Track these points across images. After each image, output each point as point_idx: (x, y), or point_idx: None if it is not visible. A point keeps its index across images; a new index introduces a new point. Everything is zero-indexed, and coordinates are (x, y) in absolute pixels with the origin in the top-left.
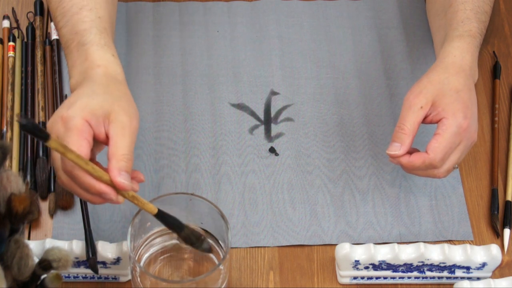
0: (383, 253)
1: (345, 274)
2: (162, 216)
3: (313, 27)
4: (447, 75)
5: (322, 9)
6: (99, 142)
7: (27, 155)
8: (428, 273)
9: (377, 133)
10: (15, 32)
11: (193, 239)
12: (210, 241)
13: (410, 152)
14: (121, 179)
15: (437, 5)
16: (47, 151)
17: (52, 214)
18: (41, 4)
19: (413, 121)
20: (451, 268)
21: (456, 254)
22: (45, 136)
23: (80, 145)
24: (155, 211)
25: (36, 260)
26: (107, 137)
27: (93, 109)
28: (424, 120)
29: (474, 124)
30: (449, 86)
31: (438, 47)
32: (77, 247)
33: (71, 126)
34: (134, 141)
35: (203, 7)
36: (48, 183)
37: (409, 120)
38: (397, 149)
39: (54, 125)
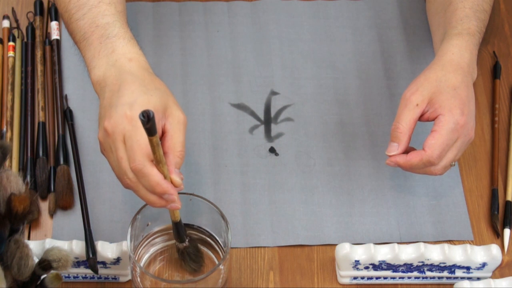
0: (383, 253)
1: (345, 274)
2: (178, 226)
3: (313, 27)
4: (444, 73)
5: (322, 9)
6: None
7: (27, 155)
8: (428, 273)
9: (377, 133)
10: (15, 32)
11: (190, 257)
12: (209, 252)
13: (407, 151)
14: (175, 176)
15: (436, 4)
16: (47, 151)
17: (52, 214)
18: (41, 4)
19: (408, 118)
20: (451, 268)
21: (456, 254)
22: (154, 132)
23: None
24: (178, 219)
25: (36, 260)
26: (162, 132)
27: (155, 105)
28: (421, 118)
29: (471, 121)
30: (446, 84)
31: (437, 45)
32: (77, 247)
33: (139, 124)
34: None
35: (203, 7)
36: (48, 183)
37: (404, 118)
38: (395, 149)
39: (119, 124)
